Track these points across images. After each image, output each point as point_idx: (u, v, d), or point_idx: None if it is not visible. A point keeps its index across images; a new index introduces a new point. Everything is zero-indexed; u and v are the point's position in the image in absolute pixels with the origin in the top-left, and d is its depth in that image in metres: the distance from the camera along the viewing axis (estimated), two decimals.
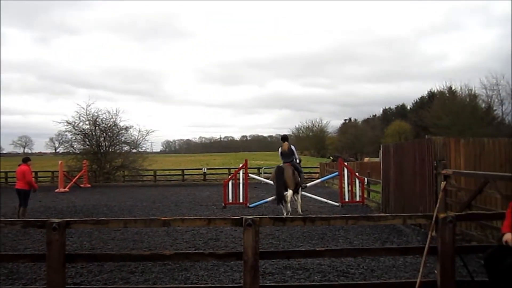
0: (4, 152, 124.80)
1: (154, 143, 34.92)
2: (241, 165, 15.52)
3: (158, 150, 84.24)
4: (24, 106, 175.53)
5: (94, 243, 8.73)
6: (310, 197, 15.17)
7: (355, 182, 14.89)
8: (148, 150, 34.66)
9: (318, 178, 24.11)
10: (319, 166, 30.46)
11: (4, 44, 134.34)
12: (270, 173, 28.31)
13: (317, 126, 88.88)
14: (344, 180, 14.91)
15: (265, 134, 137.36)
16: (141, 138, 32.47)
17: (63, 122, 30.79)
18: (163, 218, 4.48)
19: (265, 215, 9.56)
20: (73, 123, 30.79)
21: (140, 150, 32.93)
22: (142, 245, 8.44)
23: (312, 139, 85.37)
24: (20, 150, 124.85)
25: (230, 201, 14.78)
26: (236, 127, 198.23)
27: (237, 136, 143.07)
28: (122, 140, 32.09)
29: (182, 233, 9.57)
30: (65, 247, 4.46)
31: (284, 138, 12.48)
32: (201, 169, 31.23)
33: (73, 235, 9.33)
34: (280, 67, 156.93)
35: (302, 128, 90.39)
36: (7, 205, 16.24)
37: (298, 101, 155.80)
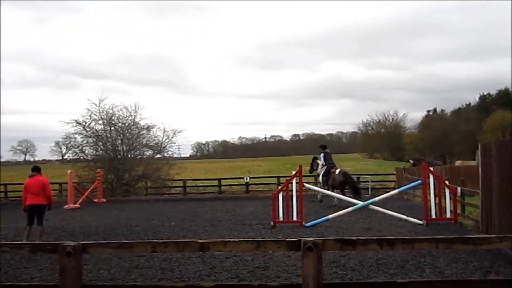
0: (2, 160, 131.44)
1: (183, 146, 34.87)
2: (294, 173, 15.54)
3: (188, 155, 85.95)
4: (23, 103, 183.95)
5: (114, 271, 9.02)
6: (385, 213, 14.97)
7: (445, 193, 14.54)
8: (175, 155, 35.23)
9: (394, 188, 23.74)
10: (395, 173, 29.97)
11: None
12: None
13: (390, 121, 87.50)
14: (429, 190, 14.60)
15: (322, 132, 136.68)
16: (167, 140, 33.02)
17: (71, 122, 31.46)
18: (200, 241, 4.58)
19: (326, 237, 9.49)
20: (84, 123, 31.64)
21: (165, 155, 33.54)
22: (173, 275, 8.65)
23: (385, 138, 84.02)
24: (21, 158, 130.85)
25: (281, 218, 14.83)
26: (283, 124, 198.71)
27: (286, 136, 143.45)
28: (144, 143, 32.75)
29: (222, 260, 9.72)
30: (81, 276, 4.67)
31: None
32: (243, 178, 31.57)
33: (88, 261, 9.69)
34: (335, 45, 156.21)
35: (371, 123, 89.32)
36: (8, 225, 17.06)
37: (361, 88, 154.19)
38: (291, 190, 15.19)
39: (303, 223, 14.52)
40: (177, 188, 31.58)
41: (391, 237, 4.77)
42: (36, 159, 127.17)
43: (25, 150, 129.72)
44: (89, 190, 26.39)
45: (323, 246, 4.47)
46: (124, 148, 32.02)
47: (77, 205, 23.87)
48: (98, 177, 27.14)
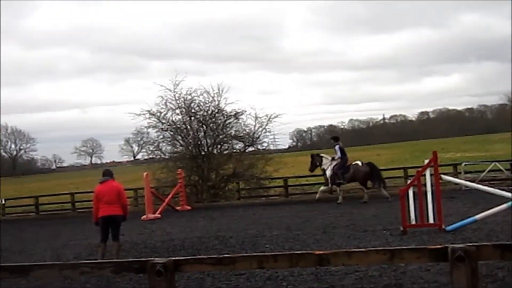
0: (65, 165, 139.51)
1: (280, 135, 34.26)
2: (426, 162, 15.21)
3: (286, 146, 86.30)
4: (81, 95, 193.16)
5: None
6: None
7: None
8: (271, 147, 35.15)
9: None
10: None
11: (36, 8, 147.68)
12: (474, 171, 27.31)
13: None
14: None
15: (459, 107, 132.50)
16: (260, 129, 32.93)
17: (143, 114, 31.98)
18: (317, 253, 4.64)
19: (475, 243, 9.19)
20: (158, 114, 32.25)
21: (259, 147, 33.35)
22: None
23: None
24: (87, 161, 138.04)
25: (413, 222, 14.60)
26: (406, 99, 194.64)
27: (411, 114, 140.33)
28: (232, 134, 32.89)
29: (341, 277, 9.76)
30: None
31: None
32: None
33: (176, 282, 10.07)
34: None
35: None
36: (79, 242, 18.13)
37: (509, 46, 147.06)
38: (424, 185, 14.90)
39: (443, 226, 14.22)
40: (277, 189, 31.70)
41: None
42: (104, 161, 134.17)
43: (90, 151, 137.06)
44: (170, 196, 27.06)
45: (477, 255, 4.38)
46: (208, 141, 32.25)
47: (157, 215, 24.65)
48: (179, 180, 27.69)
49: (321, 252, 4.64)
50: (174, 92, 31.89)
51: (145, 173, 26.78)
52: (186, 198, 28.14)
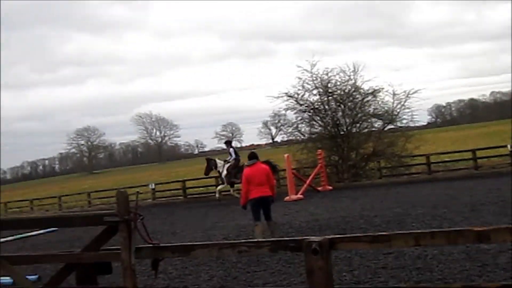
0: (207, 149, 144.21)
1: (418, 111, 33.34)
2: None
3: (425, 123, 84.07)
4: (215, 81, 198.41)
5: (358, 273, 9.39)
6: None
7: None
8: (410, 124, 34.52)
9: None
10: None
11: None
12: None
13: None
14: None
15: None
16: (399, 106, 32.41)
17: (281, 96, 32.37)
18: (476, 229, 4.53)
19: None
20: (296, 96, 32.56)
21: (398, 125, 32.95)
22: (432, 276, 8.70)
23: None
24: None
25: None
26: None
27: None
28: (371, 112, 32.60)
29: (494, 254, 9.45)
30: (332, 278, 4.95)
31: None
32: (506, 146, 29.83)
33: None
34: None
35: None
36: (226, 223, 18.73)
37: None
38: None
39: None
40: (418, 166, 31.18)
41: None
42: (244, 144, 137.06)
43: (230, 135, 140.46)
44: (311, 176, 27.33)
45: None
46: (347, 121, 32.16)
47: (299, 195, 25.02)
48: (320, 160, 27.96)
49: (480, 228, 4.52)
50: (311, 73, 32.00)
51: (286, 155, 27.20)
52: (327, 178, 28.32)
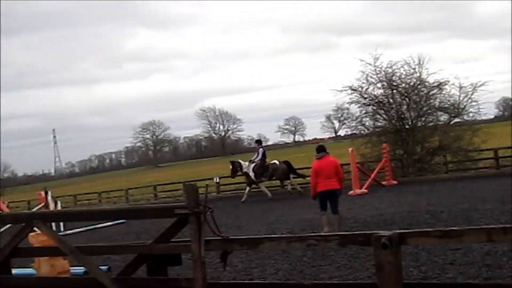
0: (269, 143, 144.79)
1: (485, 104, 32.53)
2: None
3: (492, 116, 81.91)
4: (276, 76, 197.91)
5: (425, 269, 9.31)
6: None
7: None
8: (477, 118, 33.81)
9: None
10: None
11: None
12: None
13: None
14: None
15: None
16: (466, 99, 31.74)
17: (345, 90, 32.35)
18: None
19: None
20: (360, 89, 32.38)
21: (465, 118, 32.33)
22: (502, 273, 8.56)
23: None
24: (290, 138, 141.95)
25: None
26: None
27: None
28: (436, 106, 32.12)
29: None
30: (401, 273, 4.93)
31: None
32: None
33: None
34: None
35: None
36: (290, 217, 18.75)
37: None
38: None
39: None
40: (486, 161, 30.62)
41: None
42: (306, 138, 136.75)
43: (293, 129, 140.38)
44: (376, 171, 27.17)
45: None
46: (412, 114, 31.82)
47: (363, 190, 24.92)
48: (384, 154, 27.78)
49: None
50: (374, 66, 31.88)
51: (350, 149, 27.16)
52: (392, 173, 28.11)
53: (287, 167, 27.95)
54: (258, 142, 32.47)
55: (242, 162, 29.24)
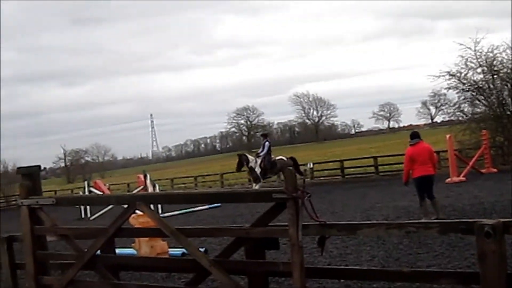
0: (363, 129, 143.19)
1: None
2: None
3: None
4: (370, 61, 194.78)
5: None
6: None
7: None
8: None
9: None
10: None
11: None
12: None
13: None
14: None
15: None
16: None
17: (443, 75, 31.78)
18: None
19: None
20: (458, 74, 31.67)
21: None
22: None
23: None
24: (384, 125, 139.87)
25: None
26: None
27: None
28: None
29: None
30: (506, 262, 4.80)
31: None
32: None
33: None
34: None
35: None
36: (385, 204, 18.55)
37: None
38: None
39: None
40: None
41: None
42: (401, 125, 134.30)
43: (388, 115, 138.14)
44: (474, 158, 26.61)
45: None
46: None
47: (461, 177, 24.41)
48: (484, 142, 27.16)
49: None
50: (474, 50, 31.15)
51: (448, 136, 26.59)
52: (491, 160, 27.40)
53: (293, 163, 28.66)
54: (264, 135, 32.31)
55: (249, 156, 29.60)
